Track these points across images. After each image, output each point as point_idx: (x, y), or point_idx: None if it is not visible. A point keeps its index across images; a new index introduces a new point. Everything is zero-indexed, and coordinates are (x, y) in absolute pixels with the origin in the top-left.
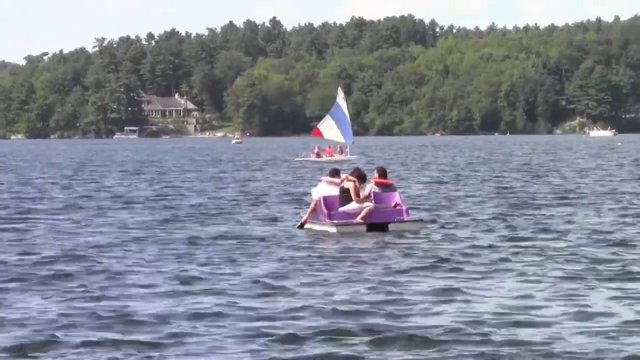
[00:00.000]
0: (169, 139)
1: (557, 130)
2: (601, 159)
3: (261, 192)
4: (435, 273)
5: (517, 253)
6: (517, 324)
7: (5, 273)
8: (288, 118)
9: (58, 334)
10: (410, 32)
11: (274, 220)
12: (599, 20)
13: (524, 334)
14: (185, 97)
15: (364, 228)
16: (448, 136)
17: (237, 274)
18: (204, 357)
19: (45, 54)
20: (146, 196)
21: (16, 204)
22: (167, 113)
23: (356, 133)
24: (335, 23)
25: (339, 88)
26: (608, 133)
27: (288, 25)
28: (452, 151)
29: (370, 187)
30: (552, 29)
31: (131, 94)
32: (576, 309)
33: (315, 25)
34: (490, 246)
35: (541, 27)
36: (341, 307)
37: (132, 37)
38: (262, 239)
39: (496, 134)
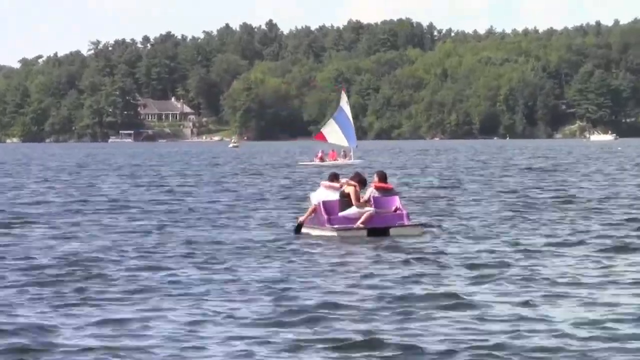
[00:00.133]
0: (165, 142)
1: (556, 135)
2: (605, 162)
3: (260, 196)
4: (437, 278)
5: (520, 258)
6: (522, 331)
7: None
8: (285, 122)
9: (52, 340)
10: (408, 36)
11: (273, 224)
12: (598, 23)
13: (529, 340)
14: (181, 100)
15: (364, 233)
16: (447, 140)
17: (236, 280)
18: None
19: (40, 57)
20: (143, 200)
21: (10, 208)
22: (163, 117)
23: None
24: (332, 26)
25: (342, 92)
26: (608, 137)
27: (285, 28)
28: (456, 155)
29: (370, 192)
30: (551, 32)
31: (127, 98)
32: (580, 315)
33: (313, 28)
34: (492, 251)
35: (540, 30)
36: (341, 314)
37: (128, 40)
38: (261, 244)
39: (495, 138)
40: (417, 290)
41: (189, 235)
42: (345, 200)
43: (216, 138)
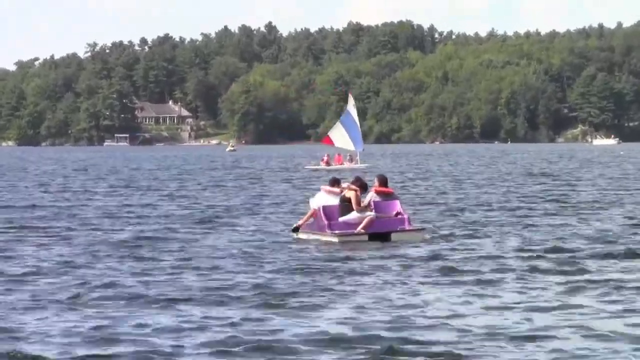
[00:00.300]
0: (162, 146)
1: (558, 139)
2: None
3: (260, 200)
4: (440, 283)
5: (524, 262)
6: (526, 335)
7: None
8: (284, 125)
9: (43, 348)
10: (408, 38)
11: (272, 230)
12: (601, 26)
13: (532, 345)
14: (179, 103)
15: (365, 238)
16: (448, 144)
17: (235, 285)
18: None
19: (36, 59)
20: (137, 205)
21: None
22: (160, 120)
23: None
24: (332, 28)
25: (350, 95)
26: (611, 141)
27: (284, 30)
28: (461, 159)
29: (370, 196)
30: (553, 35)
31: (124, 101)
32: (582, 321)
33: (312, 30)
34: (496, 255)
35: (542, 33)
36: (343, 320)
37: (125, 42)
38: (260, 249)
39: (496, 142)
40: (421, 295)
41: (186, 241)
42: (345, 205)
43: (214, 142)
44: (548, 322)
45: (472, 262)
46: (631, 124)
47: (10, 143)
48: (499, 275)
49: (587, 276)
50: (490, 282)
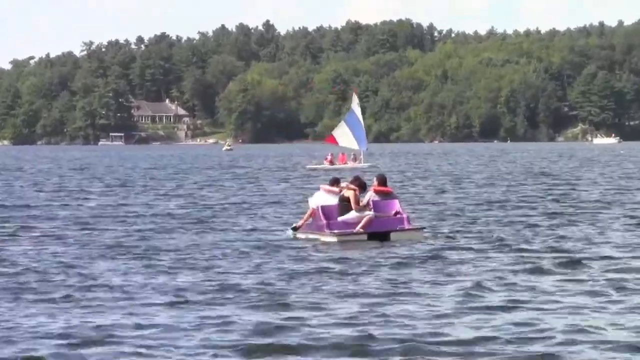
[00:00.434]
0: (158, 145)
1: (558, 138)
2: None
3: (258, 200)
4: (440, 283)
5: (524, 262)
6: (526, 335)
7: None
8: (281, 124)
9: (38, 348)
10: (407, 36)
11: (270, 229)
12: (601, 24)
13: (532, 345)
14: (175, 102)
15: (364, 238)
16: (447, 143)
17: (232, 285)
18: None
19: (32, 57)
20: (133, 204)
21: None
22: (157, 119)
23: None
24: (330, 27)
25: (354, 94)
26: (612, 140)
27: (282, 28)
28: (461, 158)
29: (369, 196)
30: (553, 33)
31: (120, 100)
32: (584, 322)
33: (310, 29)
34: (496, 255)
35: (542, 31)
36: (343, 320)
37: (121, 40)
38: (259, 249)
39: (496, 141)
40: (421, 296)
41: (184, 240)
42: (344, 205)
43: (211, 141)
44: (549, 322)
45: (472, 261)
46: (632, 123)
47: (5, 142)
48: (498, 275)
49: (587, 276)
50: (490, 282)
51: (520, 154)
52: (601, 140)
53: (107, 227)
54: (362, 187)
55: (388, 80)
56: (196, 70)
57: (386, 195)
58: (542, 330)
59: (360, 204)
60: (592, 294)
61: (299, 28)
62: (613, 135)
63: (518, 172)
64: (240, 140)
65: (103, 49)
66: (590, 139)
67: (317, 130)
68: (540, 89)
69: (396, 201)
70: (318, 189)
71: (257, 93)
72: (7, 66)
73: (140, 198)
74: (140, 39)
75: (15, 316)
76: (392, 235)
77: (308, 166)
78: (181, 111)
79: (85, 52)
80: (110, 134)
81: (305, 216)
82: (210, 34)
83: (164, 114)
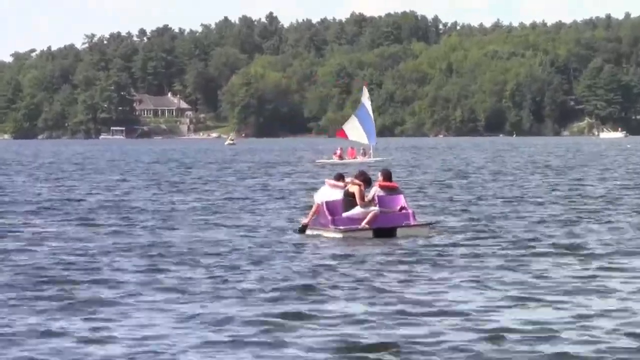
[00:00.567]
0: (160, 139)
1: (564, 132)
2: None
3: (262, 195)
4: (447, 279)
5: (532, 258)
6: (533, 333)
7: None
8: (285, 118)
9: (35, 349)
10: (412, 29)
11: (275, 225)
12: (608, 17)
13: (538, 343)
14: (178, 96)
15: (370, 234)
16: (452, 137)
17: (237, 282)
18: None
19: (33, 50)
20: (135, 199)
21: None
22: (159, 113)
23: None
24: (334, 19)
25: (364, 87)
26: (619, 134)
27: (285, 21)
28: (468, 152)
29: (374, 191)
30: (559, 25)
31: (122, 93)
32: (590, 319)
33: (314, 21)
34: (503, 251)
35: (549, 23)
36: (346, 318)
37: (123, 33)
38: (262, 245)
39: (501, 135)
40: (431, 294)
41: (188, 237)
42: (349, 200)
43: (214, 135)
44: (555, 320)
45: (479, 257)
46: (638, 117)
47: (6, 136)
48: (507, 271)
49: (596, 272)
50: (498, 279)
51: (528, 149)
52: (608, 135)
53: (108, 223)
54: (367, 182)
55: (392, 73)
56: (199, 63)
57: (391, 191)
58: (550, 329)
59: (366, 200)
60: (601, 289)
61: (303, 20)
62: (620, 129)
63: (524, 167)
64: (243, 135)
65: (105, 42)
66: (596, 133)
67: (320, 124)
68: (546, 83)
69: (401, 196)
70: (323, 183)
71: (260, 86)
72: (9, 59)
73: (142, 193)
74: (142, 32)
75: (11, 316)
76: (399, 231)
77: (317, 161)
78: (184, 105)
79: (86, 45)
80: (112, 128)
81: (311, 212)
82: (213, 26)
83: (166, 108)
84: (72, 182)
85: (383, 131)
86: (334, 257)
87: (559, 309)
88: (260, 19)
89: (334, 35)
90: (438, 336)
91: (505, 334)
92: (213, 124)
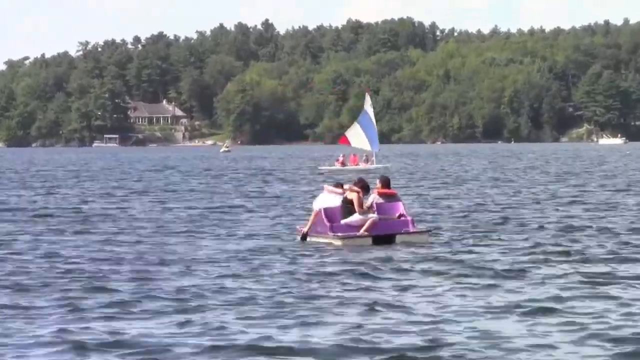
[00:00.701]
0: (155, 147)
1: (563, 138)
2: None
3: (259, 202)
4: (447, 286)
5: (531, 264)
6: (533, 338)
7: None
8: (281, 125)
9: (34, 354)
10: (409, 36)
11: (273, 232)
12: (607, 23)
13: (539, 349)
14: (173, 103)
15: (369, 241)
16: (450, 144)
17: (235, 290)
18: None
19: (27, 58)
20: (132, 208)
21: None
22: (154, 120)
23: None
24: (330, 26)
25: (367, 94)
26: (618, 141)
27: (281, 28)
28: (467, 159)
29: (372, 198)
30: (558, 32)
31: (116, 100)
32: (592, 324)
33: (310, 28)
34: (503, 257)
35: (547, 30)
36: (346, 325)
37: (118, 40)
38: (261, 253)
39: (499, 142)
40: (432, 302)
41: (187, 246)
42: (347, 207)
43: (209, 142)
44: (556, 325)
45: (478, 264)
46: (637, 123)
47: None
48: (507, 279)
49: (597, 278)
50: (498, 285)
51: (526, 155)
52: (607, 141)
53: (106, 230)
54: (365, 189)
55: (389, 80)
56: (194, 70)
57: (390, 198)
58: (551, 336)
59: (364, 207)
60: (602, 295)
61: (299, 27)
62: (619, 135)
63: (524, 173)
64: (239, 142)
65: (99, 49)
66: (595, 139)
67: (317, 132)
68: (544, 89)
69: (400, 203)
70: (322, 189)
71: (256, 93)
72: (2, 67)
73: (140, 201)
74: (137, 39)
75: (9, 321)
76: (398, 238)
77: (320, 168)
78: (178, 112)
79: (81, 52)
80: (105, 135)
81: (310, 219)
82: (209, 33)
83: (161, 115)
84: (66, 190)
85: (380, 138)
86: (332, 264)
87: (559, 316)
88: (256, 25)
89: (330, 42)
90: (438, 343)
91: (505, 341)
92: (208, 132)
